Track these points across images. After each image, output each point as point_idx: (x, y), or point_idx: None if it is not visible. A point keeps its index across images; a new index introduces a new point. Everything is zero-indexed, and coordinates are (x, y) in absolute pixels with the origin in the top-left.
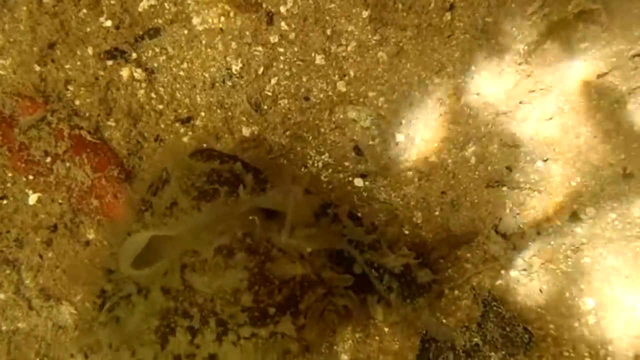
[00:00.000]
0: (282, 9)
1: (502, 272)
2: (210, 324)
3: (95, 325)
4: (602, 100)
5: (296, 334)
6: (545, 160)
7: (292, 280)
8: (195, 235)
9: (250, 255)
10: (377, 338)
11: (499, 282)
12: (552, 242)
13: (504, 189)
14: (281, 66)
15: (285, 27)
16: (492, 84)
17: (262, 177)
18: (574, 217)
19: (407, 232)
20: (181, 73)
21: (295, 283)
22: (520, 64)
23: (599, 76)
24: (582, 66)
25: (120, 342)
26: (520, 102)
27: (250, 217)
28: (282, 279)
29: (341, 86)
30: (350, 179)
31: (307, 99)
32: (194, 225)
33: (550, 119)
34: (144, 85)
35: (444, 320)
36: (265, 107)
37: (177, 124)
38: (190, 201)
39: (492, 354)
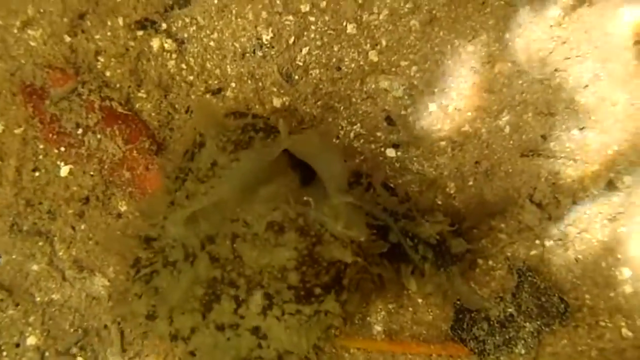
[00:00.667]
0: None
1: (537, 242)
2: (256, 296)
3: (129, 296)
4: (639, 66)
5: (342, 312)
6: (582, 129)
7: (339, 262)
8: (243, 191)
9: (301, 236)
10: (410, 309)
11: (533, 252)
12: (588, 212)
13: (539, 158)
14: (312, 35)
15: None
16: (526, 51)
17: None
18: (611, 185)
19: (440, 202)
20: (211, 43)
21: (342, 263)
22: (555, 30)
23: (636, 42)
24: (620, 32)
25: (160, 311)
26: (556, 70)
27: (305, 198)
28: (331, 261)
29: (373, 55)
30: (383, 149)
31: (338, 68)
32: (235, 178)
33: (587, 86)
34: (174, 56)
35: (478, 292)
36: (297, 77)
37: (207, 95)
38: (228, 156)
39: (527, 324)
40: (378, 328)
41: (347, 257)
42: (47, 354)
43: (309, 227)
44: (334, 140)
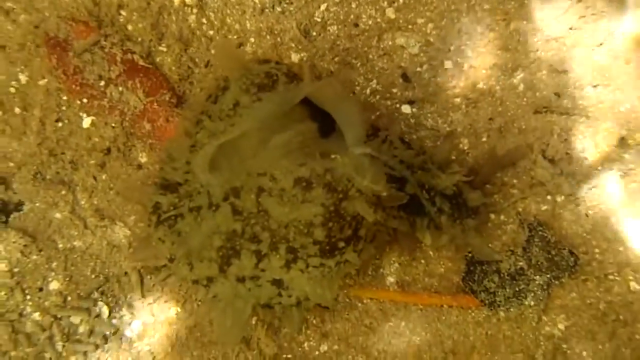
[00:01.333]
0: None
1: (549, 197)
2: (280, 251)
3: (152, 240)
4: None
5: (359, 261)
6: (595, 86)
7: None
8: (263, 134)
9: (328, 192)
10: (422, 261)
11: (545, 207)
12: (599, 168)
13: (552, 115)
14: None
15: None
16: (542, 9)
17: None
18: (623, 143)
19: (454, 157)
20: None
21: (362, 216)
22: None
23: None
24: None
25: (182, 255)
26: (571, 28)
27: (333, 156)
28: (354, 215)
29: (390, 13)
30: (398, 105)
31: (356, 25)
32: (257, 117)
33: (601, 44)
34: (194, 10)
35: (490, 245)
36: (315, 33)
37: (216, 44)
38: (251, 97)
39: (537, 277)
40: (391, 279)
41: (370, 215)
42: (69, 298)
43: (336, 182)
44: (351, 94)
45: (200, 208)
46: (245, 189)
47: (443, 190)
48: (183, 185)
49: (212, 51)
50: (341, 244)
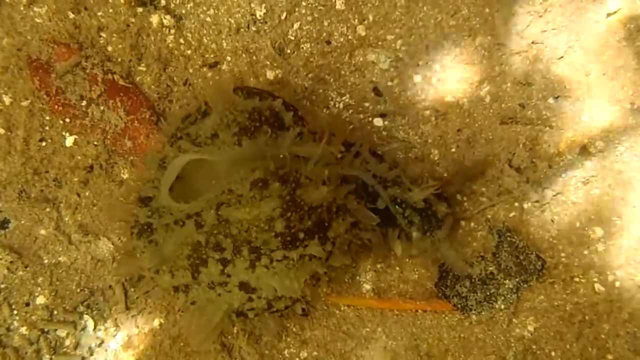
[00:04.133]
0: None
1: (516, 204)
2: (243, 253)
3: (137, 252)
4: (610, 39)
5: (324, 254)
6: (557, 98)
7: (320, 207)
8: (230, 169)
9: (282, 184)
10: (397, 268)
11: (512, 214)
12: (563, 175)
13: (517, 125)
14: (303, 11)
15: None
16: (505, 24)
17: (300, 115)
18: (584, 151)
19: (425, 171)
20: (208, 19)
21: (322, 210)
22: (532, 5)
23: (608, 14)
24: (592, 6)
25: (157, 263)
26: (533, 42)
27: (281, 156)
28: (311, 204)
29: (361, 30)
30: (370, 119)
31: (328, 42)
32: (233, 157)
33: (562, 57)
34: (172, 31)
35: (460, 251)
36: (289, 51)
37: (204, 69)
38: (232, 135)
39: (507, 281)
40: (367, 286)
41: (323, 192)
42: (55, 312)
43: (288, 174)
44: (324, 110)
45: (168, 223)
46: (205, 209)
47: (414, 203)
48: (153, 199)
49: (191, 71)
50: (301, 235)
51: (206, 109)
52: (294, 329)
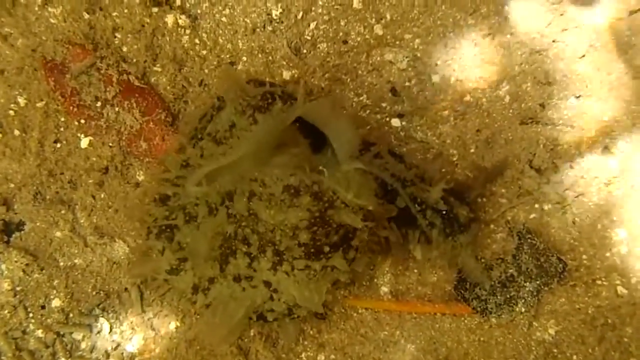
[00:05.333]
0: None
1: (536, 206)
2: (267, 253)
3: (152, 253)
4: (633, 37)
5: (348, 268)
6: (578, 97)
7: (348, 224)
8: (256, 152)
9: (315, 200)
10: (415, 271)
11: (533, 215)
12: (584, 176)
13: (538, 125)
14: (320, 10)
15: None
16: (525, 23)
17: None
18: (606, 151)
19: (443, 170)
20: (223, 19)
21: (351, 226)
22: (553, 3)
23: (631, 12)
24: (615, 3)
25: (192, 263)
26: (554, 41)
27: (320, 168)
28: (340, 224)
29: (378, 29)
30: (388, 119)
31: (345, 42)
32: (252, 139)
33: (583, 56)
34: (187, 31)
35: (480, 254)
36: (305, 51)
37: (221, 68)
38: (247, 119)
39: (527, 283)
40: (385, 289)
41: (357, 223)
42: (71, 315)
43: (322, 193)
44: (344, 111)
45: (196, 217)
46: (238, 192)
47: (434, 204)
48: (172, 198)
49: (206, 71)
50: (326, 248)
51: (220, 104)
52: (311, 332)
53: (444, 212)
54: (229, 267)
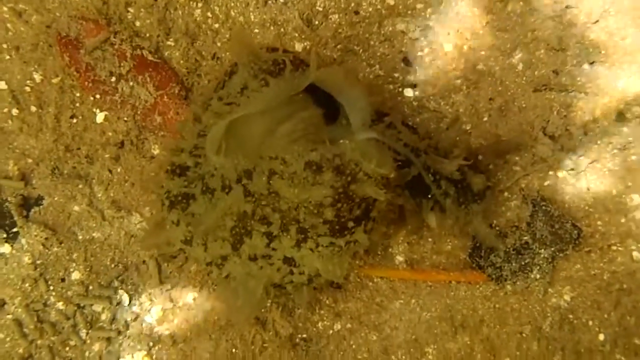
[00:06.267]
0: None
1: (551, 173)
2: (290, 231)
3: (167, 224)
4: None
5: (368, 242)
6: (592, 63)
7: (370, 197)
8: (265, 123)
9: (337, 175)
10: (430, 239)
11: (547, 182)
12: (599, 142)
13: (551, 92)
14: None
15: None
16: None
17: None
18: (621, 117)
19: (457, 139)
20: None
21: (372, 198)
22: None
23: None
24: None
25: (197, 234)
26: (567, 7)
27: (341, 141)
28: (363, 197)
29: None
30: (400, 89)
31: (356, 13)
32: (264, 99)
33: (597, 22)
34: (200, 5)
35: (494, 221)
36: (317, 22)
37: (233, 31)
38: (259, 82)
39: (542, 250)
40: (400, 258)
41: (380, 195)
42: (90, 287)
43: (344, 166)
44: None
45: (214, 190)
46: (257, 170)
47: (448, 174)
48: (192, 169)
49: (219, 44)
50: (350, 224)
51: (232, 70)
52: (327, 302)
53: (458, 182)
54: (244, 247)
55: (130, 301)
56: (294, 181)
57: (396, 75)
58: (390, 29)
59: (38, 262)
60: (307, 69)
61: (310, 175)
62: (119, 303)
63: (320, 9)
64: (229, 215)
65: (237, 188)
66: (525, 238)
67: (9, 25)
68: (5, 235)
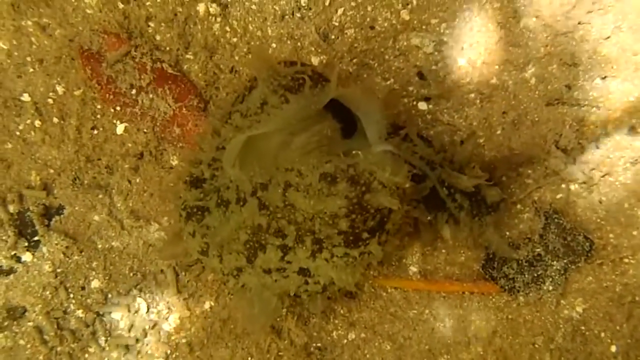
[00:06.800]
0: None
1: (563, 186)
2: (306, 242)
3: (184, 235)
4: None
5: (382, 254)
6: (604, 78)
7: (384, 207)
8: (282, 138)
9: (352, 185)
10: (443, 250)
11: (559, 195)
12: (611, 156)
13: (564, 106)
14: None
15: None
16: (550, 5)
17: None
18: (632, 131)
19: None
20: (253, 7)
21: (387, 209)
22: None
23: None
24: None
25: (212, 247)
26: (579, 23)
27: (354, 152)
28: (378, 208)
29: (404, 14)
30: (415, 103)
31: (372, 27)
32: (284, 117)
33: (608, 37)
34: (218, 19)
35: (507, 233)
36: (333, 37)
37: (252, 46)
38: (278, 97)
39: (554, 262)
40: (414, 269)
41: (394, 204)
42: (109, 295)
43: (359, 176)
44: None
45: (229, 203)
46: (273, 183)
47: (463, 188)
48: (209, 181)
49: (237, 58)
50: (365, 235)
51: (252, 84)
52: (342, 311)
53: (472, 194)
54: (258, 261)
55: (148, 309)
56: (309, 192)
57: (411, 88)
58: (405, 43)
59: (58, 270)
60: (326, 85)
61: (325, 187)
62: (137, 311)
63: (337, 24)
64: (243, 229)
65: (252, 201)
66: (538, 250)
67: (33, 39)
68: (27, 244)
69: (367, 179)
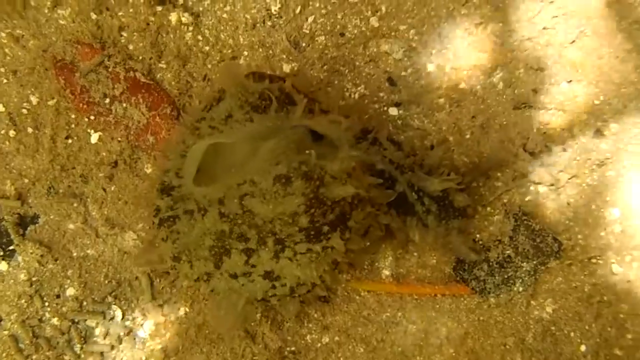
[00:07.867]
0: None
1: (531, 188)
2: (268, 244)
3: (156, 241)
4: (622, 22)
5: (344, 248)
6: (569, 82)
7: (342, 200)
8: (248, 153)
9: (306, 182)
10: (415, 254)
11: (528, 197)
12: (577, 158)
13: (531, 110)
14: (317, 5)
15: None
16: (516, 11)
17: (311, 97)
18: (598, 133)
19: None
20: (224, 15)
21: (345, 202)
22: None
23: None
24: None
25: (180, 252)
26: (544, 28)
27: (307, 152)
28: (335, 200)
29: (374, 21)
30: (385, 108)
31: (342, 34)
32: (246, 133)
33: (573, 42)
34: (191, 28)
35: (478, 236)
36: (304, 44)
37: (222, 64)
38: (244, 114)
39: (524, 263)
40: (386, 272)
41: (348, 191)
42: (84, 303)
43: (312, 171)
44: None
45: (193, 211)
46: (228, 197)
47: (431, 192)
48: (177, 188)
49: (209, 66)
50: (325, 228)
51: (220, 96)
52: (316, 315)
53: (441, 198)
54: (224, 266)
55: (123, 316)
56: (265, 197)
57: (381, 94)
58: (375, 50)
59: (34, 279)
60: (291, 111)
61: (280, 189)
62: (112, 318)
63: (307, 32)
64: (208, 235)
65: (212, 210)
66: (508, 252)
67: (6, 50)
68: (2, 253)
69: (319, 173)
